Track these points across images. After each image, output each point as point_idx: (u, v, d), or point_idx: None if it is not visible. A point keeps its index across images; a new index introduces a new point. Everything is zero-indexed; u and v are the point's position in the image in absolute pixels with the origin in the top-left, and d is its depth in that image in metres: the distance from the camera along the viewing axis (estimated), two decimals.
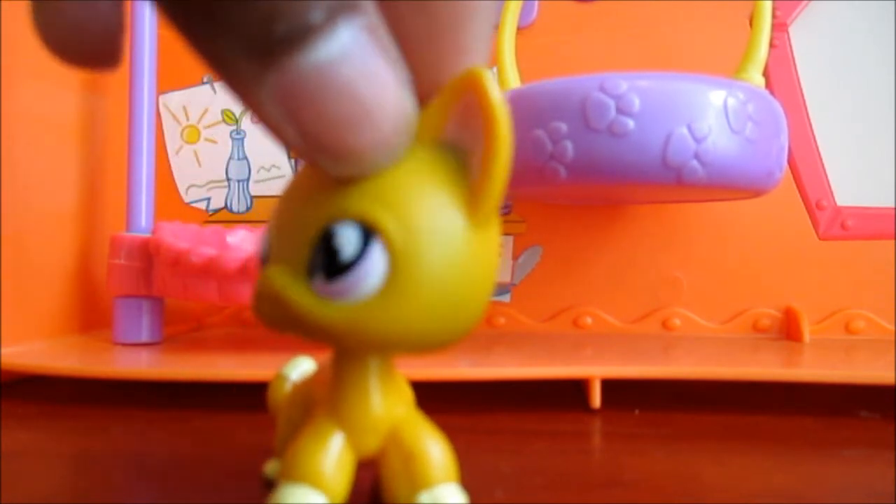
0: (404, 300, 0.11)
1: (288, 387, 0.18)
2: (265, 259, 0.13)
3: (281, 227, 0.13)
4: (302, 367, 0.19)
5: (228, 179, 0.42)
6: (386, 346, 0.13)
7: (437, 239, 0.11)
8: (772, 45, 0.31)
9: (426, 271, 0.11)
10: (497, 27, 0.34)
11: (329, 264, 0.11)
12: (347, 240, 0.11)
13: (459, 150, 0.12)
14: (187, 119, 0.42)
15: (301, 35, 0.09)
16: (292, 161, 0.41)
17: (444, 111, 0.12)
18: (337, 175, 0.11)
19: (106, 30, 0.11)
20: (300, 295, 0.12)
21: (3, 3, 0.29)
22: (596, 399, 0.25)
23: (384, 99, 0.10)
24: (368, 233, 0.11)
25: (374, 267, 0.11)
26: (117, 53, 0.12)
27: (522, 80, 0.33)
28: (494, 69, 0.34)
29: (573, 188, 0.29)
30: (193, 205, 0.42)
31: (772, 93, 0.30)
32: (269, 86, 0.10)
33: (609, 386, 0.26)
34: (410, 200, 0.11)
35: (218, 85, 0.41)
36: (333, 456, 0.13)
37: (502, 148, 0.11)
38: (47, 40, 0.11)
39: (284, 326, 0.12)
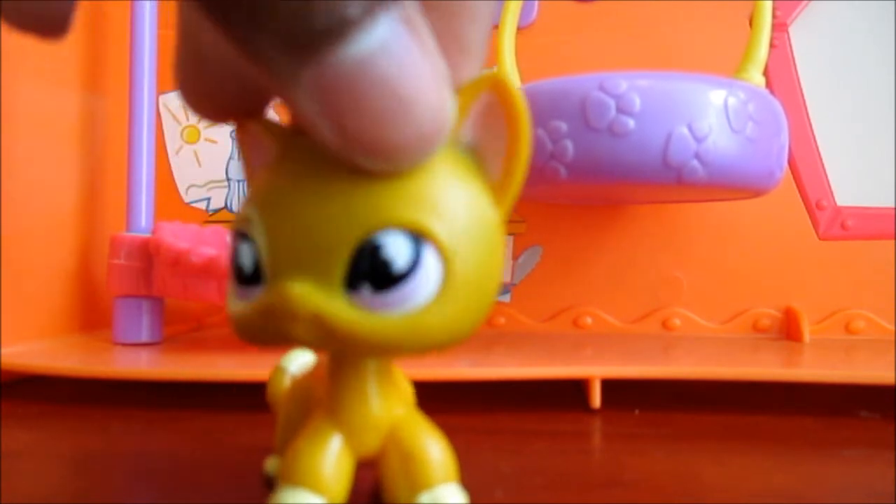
0: (457, 302, 0.11)
1: (287, 379, 0.18)
2: (258, 271, 0.12)
3: (292, 235, 0.11)
4: (301, 359, 0.18)
5: (228, 179, 0.42)
6: (432, 350, 0.12)
7: (478, 238, 0.12)
8: (772, 45, 0.31)
9: (474, 271, 0.12)
10: (497, 27, 0.34)
11: (378, 276, 0.11)
12: (398, 250, 0.11)
13: (474, 149, 0.12)
14: (187, 119, 0.42)
15: (338, 29, 0.09)
16: None
17: (462, 112, 0.12)
18: (375, 171, 0.11)
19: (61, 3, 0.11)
20: (342, 310, 0.11)
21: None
22: (596, 399, 0.25)
23: (423, 93, 0.10)
24: (418, 240, 0.11)
25: (430, 274, 0.11)
26: (67, 24, 0.11)
27: (522, 80, 0.33)
28: (494, 69, 0.34)
29: (573, 188, 0.29)
30: (193, 205, 0.42)
31: (772, 93, 0.30)
32: (305, 80, 0.10)
33: (609, 386, 0.26)
34: (451, 202, 0.11)
35: None
36: (332, 458, 0.13)
37: (524, 148, 0.12)
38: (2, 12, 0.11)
39: (321, 345, 0.12)
